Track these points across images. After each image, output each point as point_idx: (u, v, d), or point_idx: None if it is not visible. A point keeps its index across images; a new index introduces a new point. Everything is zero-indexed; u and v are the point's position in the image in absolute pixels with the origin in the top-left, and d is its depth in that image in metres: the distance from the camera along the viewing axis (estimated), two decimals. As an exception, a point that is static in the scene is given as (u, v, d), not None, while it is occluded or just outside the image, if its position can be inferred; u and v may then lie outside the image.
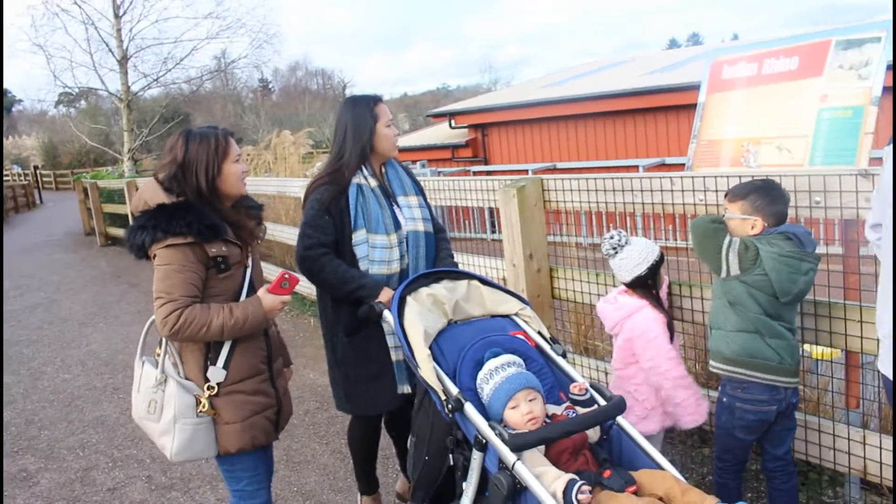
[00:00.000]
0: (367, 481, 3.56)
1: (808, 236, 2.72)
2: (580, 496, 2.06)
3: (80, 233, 18.54)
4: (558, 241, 4.73)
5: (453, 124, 18.97)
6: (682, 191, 3.39)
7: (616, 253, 3.08)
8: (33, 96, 74.47)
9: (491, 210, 12.41)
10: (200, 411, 2.58)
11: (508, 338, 2.71)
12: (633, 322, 3.04)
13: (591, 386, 2.56)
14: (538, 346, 2.76)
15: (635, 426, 3.09)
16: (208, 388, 2.60)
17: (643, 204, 3.64)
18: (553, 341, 2.80)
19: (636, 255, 3.04)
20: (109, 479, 4.43)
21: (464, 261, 4.76)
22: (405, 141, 20.35)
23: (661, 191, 3.49)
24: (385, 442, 3.66)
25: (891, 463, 2.91)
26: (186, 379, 2.62)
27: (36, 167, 40.86)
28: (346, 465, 4.26)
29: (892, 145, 2.31)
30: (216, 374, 2.62)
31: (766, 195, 2.75)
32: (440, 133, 20.05)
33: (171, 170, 2.60)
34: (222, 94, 43.60)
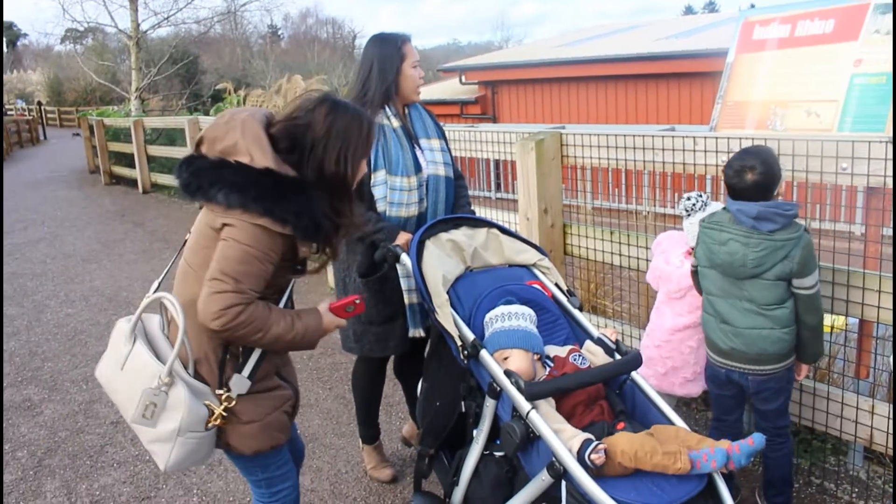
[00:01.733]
0: (369, 428, 3.56)
1: (741, 213, 2.63)
2: (594, 455, 2.04)
3: (84, 170, 18.46)
4: (573, 205, 4.68)
5: (464, 80, 18.81)
6: (705, 151, 3.34)
7: (689, 215, 3.03)
8: (40, 29, 73.57)
9: (497, 166, 12.34)
10: (211, 424, 2.11)
11: (525, 287, 2.69)
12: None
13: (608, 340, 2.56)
14: (554, 297, 2.74)
15: (681, 387, 3.14)
16: (226, 399, 2.13)
17: (664, 163, 3.59)
18: (570, 293, 2.78)
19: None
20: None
21: (477, 212, 4.73)
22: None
23: (684, 150, 3.44)
24: (388, 389, 3.66)
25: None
26: (197, 378, 2.12)
27: (39, 103, 40.48)
28: (350, 410, 4.27)
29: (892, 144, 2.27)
30: (240, 384, 2.15)
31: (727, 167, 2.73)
32: (450, 88, 19.87)
33: (295, 132, 2.13)
34: (231, 37, 43.13)
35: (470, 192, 3.55)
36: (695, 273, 2.90)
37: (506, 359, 2.37)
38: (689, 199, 3.01)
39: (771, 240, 2.58)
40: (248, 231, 1.99)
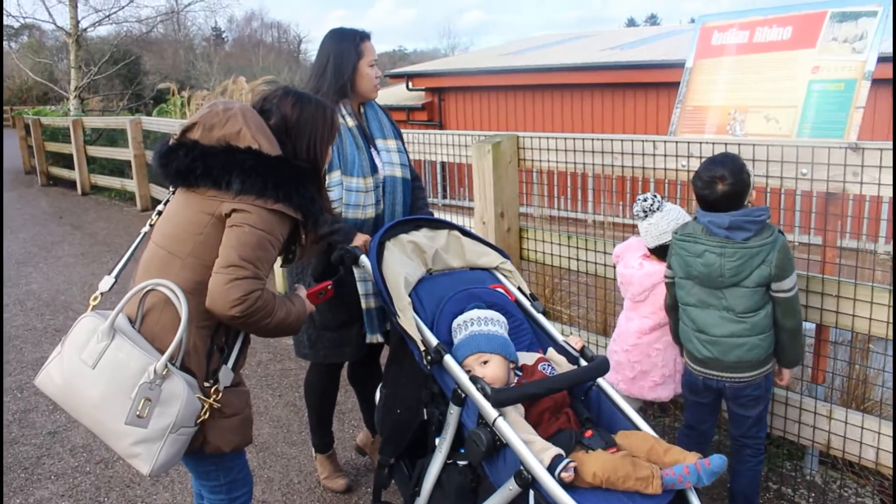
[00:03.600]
0: (322, 437, 3.45)
1: (713, 225, 2.61)
2: (564, 473, 1.98)
3: (19, 171, 17.86)
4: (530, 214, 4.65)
5: (410, 86, 18.75)
6: (665, 155, 3.33)
7: (646, 217, 3.01)
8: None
9: (444, 171, 12.28)
10: (201, 418, 2.05)
11: (488, 291, 2.62)
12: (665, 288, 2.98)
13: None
14: (518, 302, 2.69)
15: (650, 391, 3.10)
16: (214, 392, 2.08)
17: (622, 167, 3.57)
18: (532, 298, 2.72)
19: (665, 223, 2.96)
20: (50, 422, 4.25)
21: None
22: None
23: (643, 154, 3.42)
24: (340, 396, 3.55)
25: (856, 438, 2.93)
26: (183, 370, 2.04)
27: (-33, 101, 39.13)
28: (301, 418, 4.15)
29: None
30: (226, 376, 2.13)
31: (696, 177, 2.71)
32: (396, 94, 19.80)
33: (270, 123, 2.19)
34: (174, 39, 42.31)
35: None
36: (670, 285, 2.86)
37: (485, 362, 2.29)
38: (644, 200, 3.00)
39: (746, 247, 2.56)
40: (263, 217, 2.02)
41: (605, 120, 14.78)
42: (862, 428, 2.93)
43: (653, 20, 71.49)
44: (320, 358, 3.17)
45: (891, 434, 2.85)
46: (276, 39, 65.48)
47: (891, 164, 2.68)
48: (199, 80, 28.95)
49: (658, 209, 2.97)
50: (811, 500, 3.23)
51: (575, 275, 4.09)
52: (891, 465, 2.87)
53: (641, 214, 3.01)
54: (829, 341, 3.17)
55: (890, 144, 2.71)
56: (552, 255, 3.97)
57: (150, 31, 27.24)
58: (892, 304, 2.71)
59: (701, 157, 3.13)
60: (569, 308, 4.65)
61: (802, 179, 2.91)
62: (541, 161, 3.97)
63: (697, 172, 2.69)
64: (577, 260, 3.81)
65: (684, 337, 2.82)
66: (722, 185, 2.59)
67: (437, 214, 4.34)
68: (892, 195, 2.72)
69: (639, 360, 3.09)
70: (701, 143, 3.16)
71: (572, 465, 2.01)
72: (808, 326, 3.33)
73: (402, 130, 3.40)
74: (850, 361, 3.43)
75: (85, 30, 21.49)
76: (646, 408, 4.00)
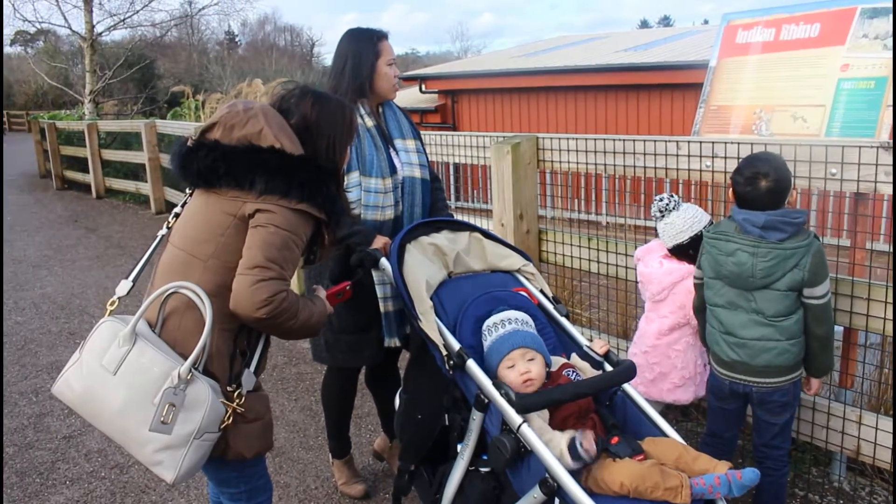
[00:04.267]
0: (340, 442, 3.40)
1: (748, 223, 2.53)
2: (585, 444, 1.97)
3: (34, 174, 17.91)
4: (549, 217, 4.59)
5: (423, 89, 18.73)
6: (689, 156, 3.26)
7: (662, 217, 2.98)
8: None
9: (457, 172, 12.23)
10: (224, 423, 2.01)
11: (511, 294, 2.57)
12: (686, 286, 2.92)
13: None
14: (540, 305, 2.63)
15: (669, 393, 3.05)
16: (237, 396, 2.05)
17: (644, 168, 3.51)
18: (555, 301, 2.67)
19: (681, 221, 2.92)
20: (65, 426, 4.22)
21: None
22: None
23: (666, 155, 3.36)
24: (357, 400, 3.50)
25: (887, 444, 2.86)
26: (206, 374, 1.99)
27: (-15, 106, 39.45)
28: (317, 422, 4.11)
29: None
30: (249, 380, 2.09)
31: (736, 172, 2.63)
32: (409, 97, 19.76)
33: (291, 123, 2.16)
34: (188, 43, 42.53)
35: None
36: (699, 286, 2.79)
37: (531, 360, 2.25)
38: (661, 199, 2.97)
39: (780, 248, 2.48)
40: (288, 217, 1.99)
41: (619, 122, 14.69)
42: (894, 434, 2.85)
43: (666, 21, 71.30)
44: (338, 362, 3.12)
45: (924, 441, 2.79)
46: (288, 43, 65.72)
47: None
48: (213, 84, 29.02)
49: (675, 208, 2.93)
50: (839, 507, 3.15)
51: (595, 277, 4.03)
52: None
53: (658, 214, 2.97)
54: (857, 344, 3.10)
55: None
56: (572, 257, 3.91)
57: (164, 35, 27.38)
58: (893, 300, 2.64)
59: (726, 158, 3.08)
60: (588, 311, 4.59)
61: (832, 180, 2.85)
62: (560, 162, 3.91)
63: (738, 168, 2.61)
64: (598, 262, 3.75)
65: (711, 339, 2.75)
66: (765, 182, 2.50)
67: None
68: (892, 194, 2.65)
69: (658, 361, 3.04)
70: (726, 143, 3.10)
71: (589, 432, 2.02)
72: (837, 329, 3.26)
73: (444, 132, 3.36)
74: (879, 365, 3.35)
75: (100, 34, 21.63)
76: (667, 412, 3.94)
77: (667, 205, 2.96)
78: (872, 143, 2.75)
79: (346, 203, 2.48)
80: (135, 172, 12.90)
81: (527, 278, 2.72)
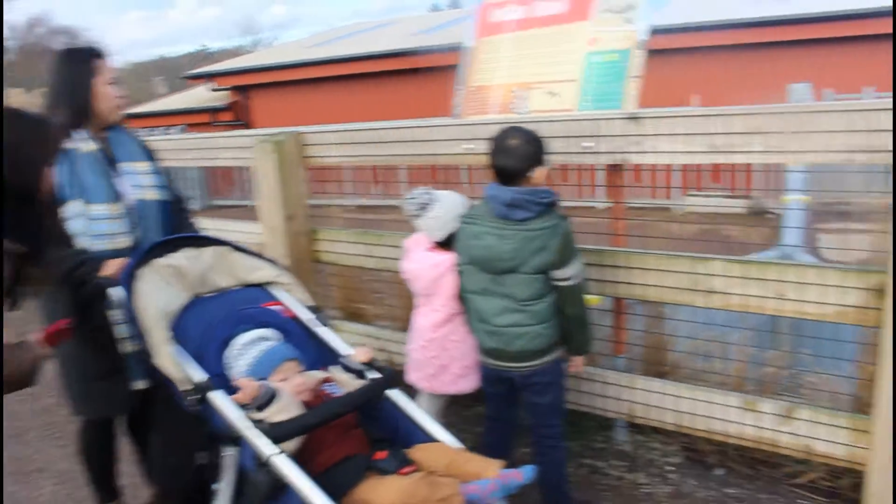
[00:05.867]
0: (107, 490, 3.06)
1: (495, 200, 2.49)
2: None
3: None
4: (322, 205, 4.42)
5: (215, 86, 18.03)
6: (449, 140, 3.20)
7: (424, 212, 2.84)
8: None
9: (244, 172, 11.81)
10: None
11: (262, 310, 2.38)
12: (453, 278, 2.80)
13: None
14: (297, 318, 2.44)
15: (453, 385, 2.97)
16: None
17: (411, 156, 3.42)
18: (315, 310, 2.49)
19: (446, 210, 2.81)
20: None
21: (212, 227, 4.31)
22: (161, 105, 19.03)
23: (428, 141, 3.29)
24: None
25: (658, 403, 2.95)
26: None
27: None
28: (89, 467, 3.71)
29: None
30: None
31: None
32: (200, 96, 19.00)
33: None
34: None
35: (229, 202, 3.15)
36: (460, 273, 2.72)
37: (283, 380, 2.09)
38: (414, 197, 2.86)
39: (526, 230, 2.43)
40: None
41: (413, 106, 14.73)
42: (662, 394, 2.95)
43: (454, 3, 72.80)
44: (94, 413, 2.79)
45: (688, 395, 2.91)
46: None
47: (669, 132, 2.68)
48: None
49: (435, 200, 2.84)
50: (623, 469, 3.22)
51: (376, 272, 3.91)
52: (691, 425, 2.91)
53: (419, 211, 2.86)
54: (625, 313, 3.16)
55: (666, 112, 2.71)
56: (347, 254, 3.76)
57: None
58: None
59: (488, 140, 3.03)
60: (373, 306, 4.46)
61: (588, 153, 2.87)
62: (328, 157, 3.75)
63: (491, 138, 2.54)
64: (373, 258, 3.63)
65: (472, 326, 2.72)
66: (514, 141, 2.46)
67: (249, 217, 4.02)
68: (670, 161, 2.71)
69: (436, 354, 2.96)
70: (485, 123, 3.06)
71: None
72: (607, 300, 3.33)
73: (205, 134, 3.08)
74: (646, 330, 3.45)
75: None
76: (457, 399, 3.89)
77: (426, 199, 2.86)
78: (621, 114, 2.79)
79: (61, 232, 2.21)
80: None
81: (282, 290, 2.52)
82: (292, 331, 2.38)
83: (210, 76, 18.21)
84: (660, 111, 2.70)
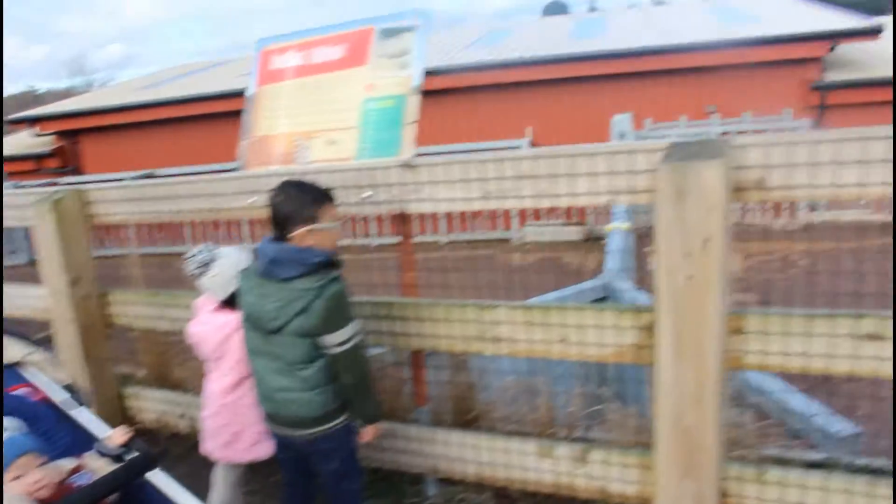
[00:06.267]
0: None
1: (261, 253, 2.38)
2: None
3: None
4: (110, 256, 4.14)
5: (39, 131, 16.97)
6: (233, 194, 3.06)
7: (207, 270, 2.67)
8: None
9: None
10: None
11: (6, 397, 2.14)
12: (241, 339, 2.60)
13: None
14: (48, 400, 2.22)
15: (248, 452, 2.81)
16: None
17: (198, 211, 3.25)
18: (70, 389, 2.28)
19: (229, 267, 2.66)
20: None
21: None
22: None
23: (213, 195, 3.13)
24: None
25: (464, 456, 2.88)
26: None
27: None
28: None
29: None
30: None
31: None
32: (23, 142, 17.81)
33: None
34: None
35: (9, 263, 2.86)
36: (245, 331, 2.55)
37: (17, 478, 1.86)
38: (194, 255, 2.70)
39: (288, 289, 2.29)
40: None
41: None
42: (462, 445, 2.89)
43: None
44: None
45: (486, 445, 2.85)
46: None
47: (445, 178, 2.64)
48: None
49: (217, 257, 2.69)
50: (437, 522, 3.14)
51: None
52: (493, 475, 2.86)
53: (201, 270, 2.69)
54: (423, 366, 3.08)
55: (440, 159, 2.67)
56: (142, 317, 3.52)
57: None
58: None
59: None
60: (181, 366, 4.20)
61: (369, 203, 2.79)
62: (115, 214, 3.51)
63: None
64: (165, 319, 3.41)
65: (254, 389, 2.57)
66: (279, 199, 2.34)
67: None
68: (449, 209, 2.67)
69: (228, 421, 2.78)
70: (267, 176, 2.94)
71: None
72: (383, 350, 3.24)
73: (27, 182, 2.76)
74: (448, 381, 3.39)
75: None
76: (262, 466, 3.70)
77: (207, 257, 2.70)
78: (397, 162, 2.74)
79: None
80: None
81: (33, 370, 2.30)
82: (41, 416, 2.17)
83: (35, 120, 17.14)
84: (433, 158, 2.66)
